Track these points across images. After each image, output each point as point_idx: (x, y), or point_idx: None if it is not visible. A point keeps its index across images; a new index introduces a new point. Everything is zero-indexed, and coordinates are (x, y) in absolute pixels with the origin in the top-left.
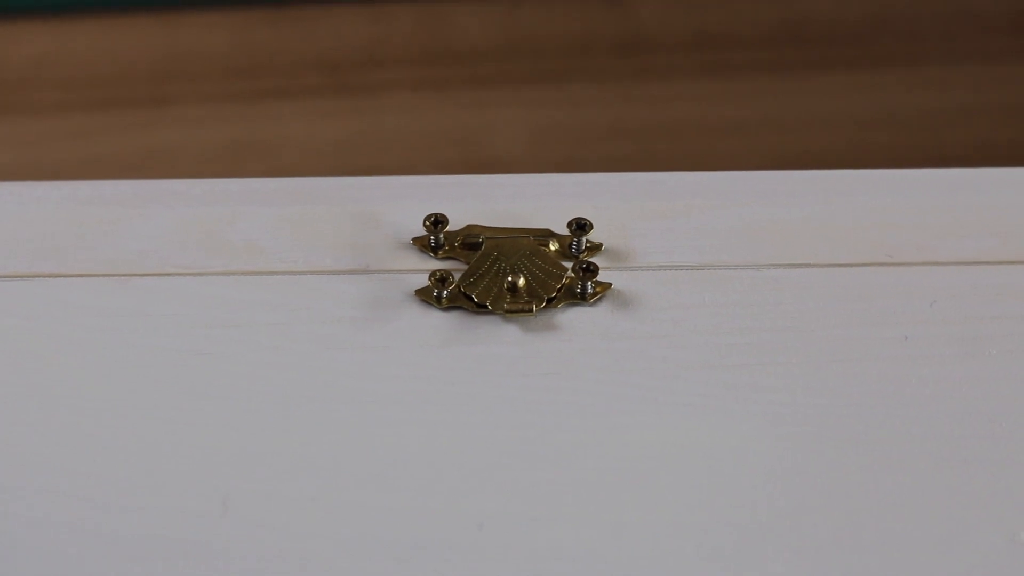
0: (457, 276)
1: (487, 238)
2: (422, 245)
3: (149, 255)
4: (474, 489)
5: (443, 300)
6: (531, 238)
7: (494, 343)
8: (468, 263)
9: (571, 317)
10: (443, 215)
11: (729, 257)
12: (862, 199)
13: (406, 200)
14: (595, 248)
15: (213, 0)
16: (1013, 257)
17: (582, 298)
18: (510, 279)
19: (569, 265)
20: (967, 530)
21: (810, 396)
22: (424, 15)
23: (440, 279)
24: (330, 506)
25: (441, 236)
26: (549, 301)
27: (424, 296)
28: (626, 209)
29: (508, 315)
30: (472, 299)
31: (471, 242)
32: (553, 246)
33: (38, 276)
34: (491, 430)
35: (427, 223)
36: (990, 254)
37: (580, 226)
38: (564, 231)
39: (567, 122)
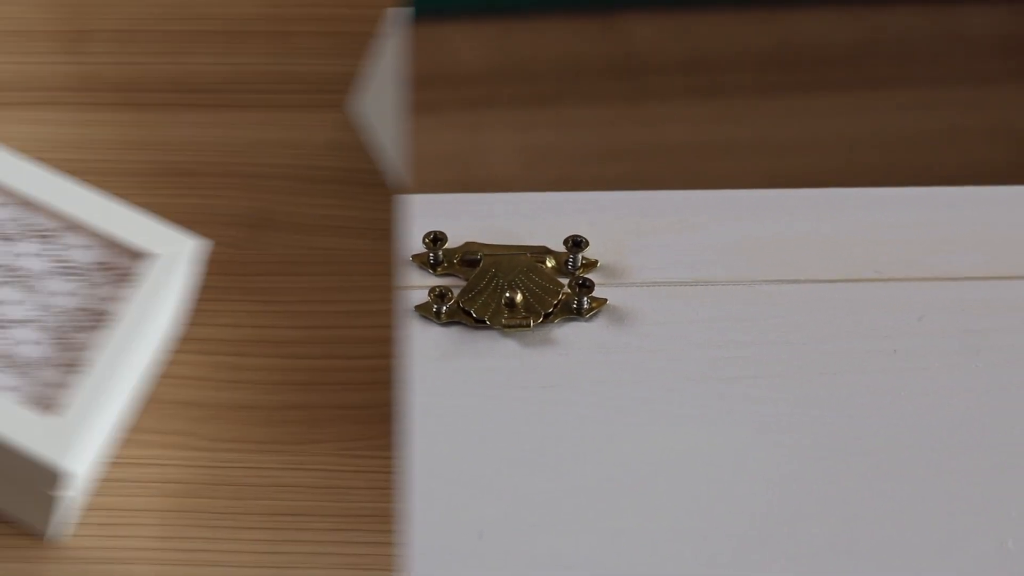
0: (456, 292)
1: (485, 255)
2: (421, 262)
3: None
4: (474, 498)
5: (442, 315)
6: (528, 255)
7: (493, 357)
8: (467, 279)
9: (568, 332)
10: (442, 232)
11: (722, 273)
12: (852, 217)
13: (406, 218)
14: (591, 264)
15: None
16: (998, 272)
17: (578, 313)
18: (508, 295)
19: (565, 281)
20: (957, 537)
21: (802, 407)
22: (417, 37)
23: (439, 295)
24: None
25: (440, 253)
26: (546, 316)
27: (424, 312)
28: (621, 226)
29: (506, 330)
30: (471, 314)
31: (470, 259)
32: (550, 263)
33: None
34: (491, 440)
35: (426, 240)
36: (976, 270)
37: (576, 243)
38: (561, 248)
39: (560, 144)
